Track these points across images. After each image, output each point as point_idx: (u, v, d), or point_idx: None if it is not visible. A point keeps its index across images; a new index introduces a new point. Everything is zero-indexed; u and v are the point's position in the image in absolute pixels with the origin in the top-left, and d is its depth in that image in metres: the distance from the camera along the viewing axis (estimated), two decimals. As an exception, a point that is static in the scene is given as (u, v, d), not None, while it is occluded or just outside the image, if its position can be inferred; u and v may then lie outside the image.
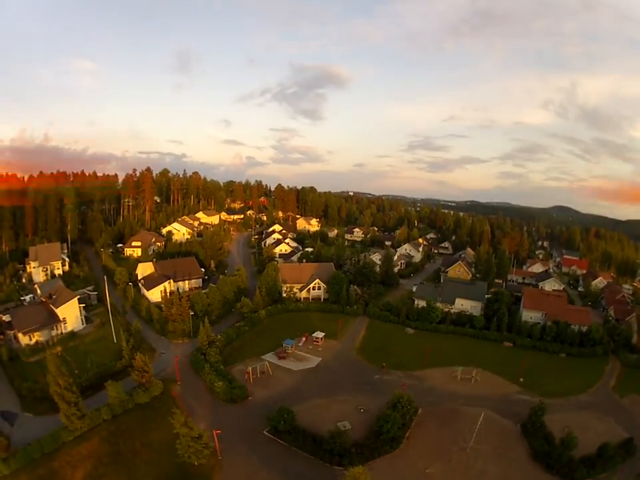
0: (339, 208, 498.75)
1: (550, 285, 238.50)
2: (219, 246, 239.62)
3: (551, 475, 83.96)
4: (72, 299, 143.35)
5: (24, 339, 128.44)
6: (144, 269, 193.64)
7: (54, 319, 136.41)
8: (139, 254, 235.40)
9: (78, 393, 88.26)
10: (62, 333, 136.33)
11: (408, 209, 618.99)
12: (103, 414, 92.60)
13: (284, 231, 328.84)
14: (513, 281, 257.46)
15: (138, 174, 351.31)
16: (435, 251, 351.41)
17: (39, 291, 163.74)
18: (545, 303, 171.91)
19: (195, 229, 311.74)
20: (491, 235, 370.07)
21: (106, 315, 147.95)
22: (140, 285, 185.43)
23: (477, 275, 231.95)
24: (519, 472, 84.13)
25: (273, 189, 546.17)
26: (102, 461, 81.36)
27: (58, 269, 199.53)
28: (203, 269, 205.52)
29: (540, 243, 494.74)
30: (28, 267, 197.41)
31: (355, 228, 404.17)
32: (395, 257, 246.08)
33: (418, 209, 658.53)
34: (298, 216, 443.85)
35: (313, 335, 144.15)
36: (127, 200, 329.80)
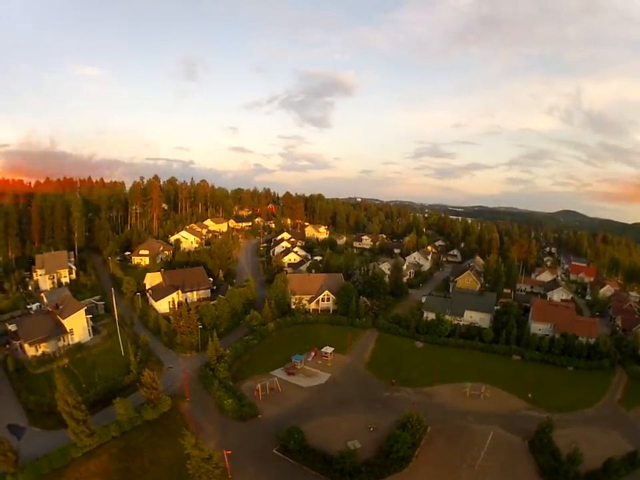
0: (348, 215, 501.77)
1: (558, 295, 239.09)
2: (228, 255, 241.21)
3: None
4: (79, 309, 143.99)
5: (30, 350, 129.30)
6: (152, 279, 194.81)
7: (61, 330, 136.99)
8: (147, 262, 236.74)
9: (86, 411, 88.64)
10: (69, 344, 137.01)
11: (416, 215, 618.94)
12: (111, 431, 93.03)
13: (292, 239, 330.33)
14: (521, 290, 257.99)
15: (145, 181, 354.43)
16: (444, 259, 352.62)
17: (45, 300, 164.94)
18: (553, 314, 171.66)
19: (203, 237, 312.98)
20: (500, 242, 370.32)
21: (113, 325, 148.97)
22: (148, 295, 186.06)
23: (486, 285, 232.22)
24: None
25: (281, 196, 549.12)
26: (111, 478, 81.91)
27: (65, 277, 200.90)
28: (211, 279, 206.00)
29: (548, 248, 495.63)
30: (34, 274, 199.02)
31: (363, 235, 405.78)
32: (404, 267, 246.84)
33: (426, 215, 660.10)
34: (306, 223, 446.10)
35: (322, 350, 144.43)
36: (134, 207, 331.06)
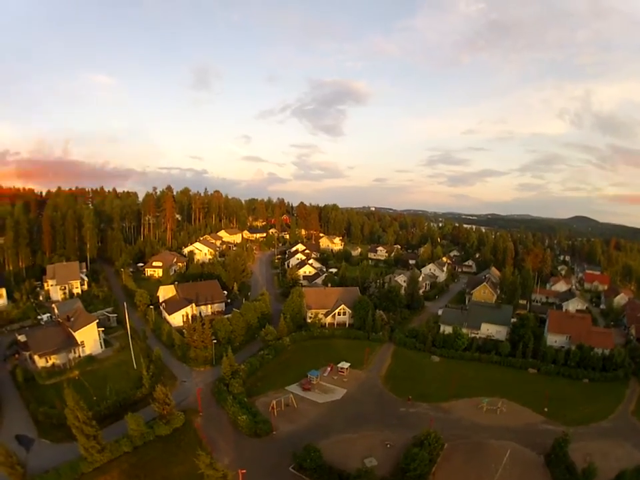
0: (362, 226, 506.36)
1: (574, 305, 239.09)
2: (242, 268, 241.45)
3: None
4: (91, 322, 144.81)
5: (40, 361, 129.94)
6: (165, 292, 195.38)
7: (71, 342, 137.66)
8: (160, 274, 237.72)
9: (97, 427, 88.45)
10: (80, 357, 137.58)
11: (430, 225, 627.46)
12: (122, 446, 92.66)
13: (307, 251, 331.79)
14: (536, 301, 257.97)
15: (158, 192, 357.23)
16: (459, 270, 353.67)
17: (56, 311, 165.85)
18: (569, 325, 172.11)
19: (217, 248, 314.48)
20: (514, 252, 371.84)
21: (126, 338, 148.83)
22: (161, 308, 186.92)
23: (502, 296, 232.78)
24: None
25: (294, 206, 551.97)
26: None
27: (77, 288, 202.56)
28: (225, 292, 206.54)
29: (562, 257, 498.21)
30: (45, 284, 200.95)
31: (378, 247, 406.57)
32: (420, 278, 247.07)
33: (440, 224, 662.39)
34: (321, 234, 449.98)
35: (338, 365, 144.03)
36: (147, 218, 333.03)
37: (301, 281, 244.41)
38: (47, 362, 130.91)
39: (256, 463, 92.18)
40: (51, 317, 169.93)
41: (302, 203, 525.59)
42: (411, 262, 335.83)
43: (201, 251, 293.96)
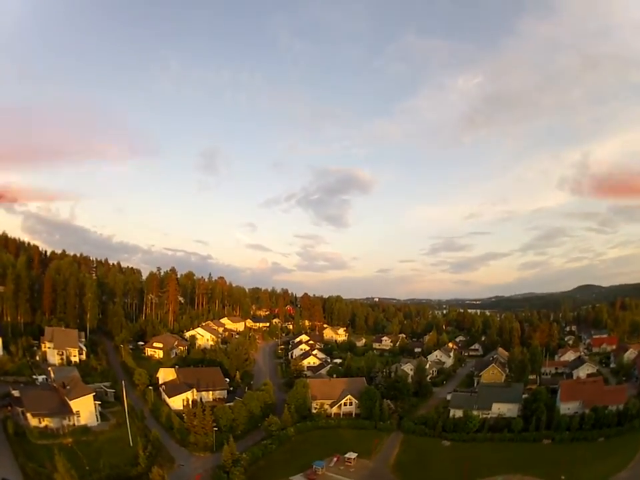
0: (366, 316, 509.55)
1: (584, 371, 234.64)
2: (245, 357, 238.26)
3: None
4: (87, 394, 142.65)
5: (33, 420, 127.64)
6: (165, 374, 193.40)
7: (66, 410, 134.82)
8: (161, 355, 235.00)
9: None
10: (74, 425, 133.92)
11: (435, 312, 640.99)
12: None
13: (311, 341, 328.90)
14: (546, 374, 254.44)
15: (162, 272, 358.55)
16: (465, 354, 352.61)
17: (52, 374, 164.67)
18: (581, 391, 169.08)
19: (220, 335, 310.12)
20: (521, 330, 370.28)
21: (122, 415, 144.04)
22: (161, 389, 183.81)
23: (511, 375, 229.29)
24: None
25: (298, 296, 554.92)
26: None
27: (74, 356, 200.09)
28: (227, 379, 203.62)
29: (567, 328, 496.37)
30: (43, 345, 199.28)
31: (383, 337, 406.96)
32: (427, 365, 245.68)
33: (444, 312, 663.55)
34: (325, 325, 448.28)
35: (345, 455, 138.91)
36: (150, 297, 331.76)
37: (305, 372, 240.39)
38: (40, 422, 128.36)
39: None
40: (46, 379, 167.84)
41: (306, 294, 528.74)
42: (417, 350, 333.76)
43: (203, 337, 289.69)
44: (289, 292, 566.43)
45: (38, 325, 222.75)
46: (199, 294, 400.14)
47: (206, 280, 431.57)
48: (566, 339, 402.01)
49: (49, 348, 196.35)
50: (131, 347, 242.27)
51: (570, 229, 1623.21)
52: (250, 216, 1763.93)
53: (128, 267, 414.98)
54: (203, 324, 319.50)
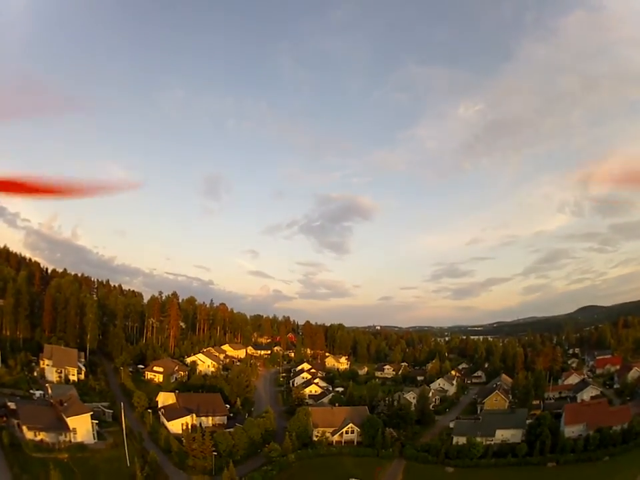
0: (368, 345, 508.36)
1: (588, 393, 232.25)
2: (246, 383, 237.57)
3: None
4: (85, 412, 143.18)
5: (28, 433, 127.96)
6: (165, 398, 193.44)
7: (63, 426, 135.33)
8: (161, 380, 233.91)
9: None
10: (70, 441, 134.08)
11: (437, 340, 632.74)
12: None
13: (313, 370, 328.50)
14: (549, 399, 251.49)
15: (164, 297, 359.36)
16: (468, 381, 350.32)
17: (50, 391, 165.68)
18: (585, 414, 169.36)
19: (221, 361, 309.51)
20: (524, 356, 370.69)
21: (120, 435, 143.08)
22: (160, 413, 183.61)
23: (515, 401, 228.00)
24: None
25: (300, 323, 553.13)
26: None
27: (73, 375, 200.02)
28: (227, 406, 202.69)
29: (571, 350, 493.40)
30: (41, 362, 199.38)
31: (385, 365, 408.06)
32: (430, 394, 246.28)
33: (447, 339, 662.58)
34: (327, 354, 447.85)
35: None
36: (151, 321, 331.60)
37: (307, 400, 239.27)
38: (36, 436, 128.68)
39: None
40: (43, 395, 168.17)
41: (308, 321, 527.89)
42: (419, 378, 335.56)
43: (204, 363, 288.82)
44: (291, 320, 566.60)
45: (37, 341, 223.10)
46: (201, 319, 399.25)
47: (207, 306, 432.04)
48: (569, 362, 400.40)
49: (47, 365, 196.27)
50: (130, 369, 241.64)
51: (571, 250, 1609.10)
52: (252, 242, 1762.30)
53: (129, 289, 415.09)
54: (204, 350, 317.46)
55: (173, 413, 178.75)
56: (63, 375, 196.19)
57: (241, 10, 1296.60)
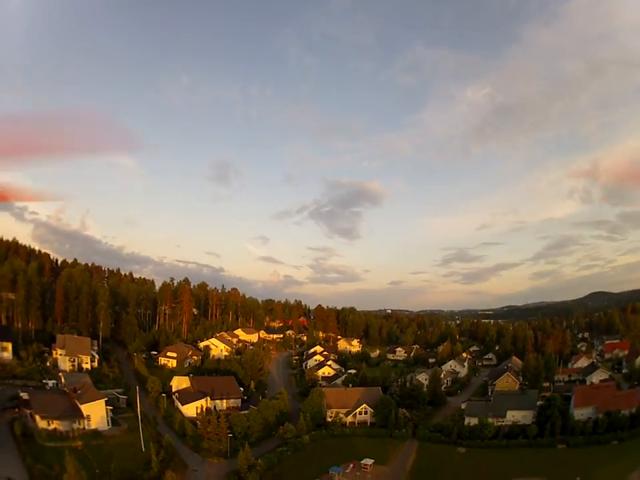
0: (380, 328, 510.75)
1: (597, 377, 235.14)
2: (260, 366, 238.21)
3: None
4: (99, 399, 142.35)
5: (41, 423, 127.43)
6: (179, 383, 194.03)
7: (77, 414, 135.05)
8: (174, 365, 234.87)
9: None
10: (84, 429, 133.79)
11: (448, 323, 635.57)
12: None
13: (325, 353, 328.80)
14: (559, 381, 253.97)
15: (175, 283, 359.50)
16: (479, 364, 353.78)
17: (63, 380, 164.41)
18: (595, 396, 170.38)
19: (234, 346, 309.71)
20: (534, 339, 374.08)
21: (134, 421, 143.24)
22: (174, 397, 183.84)
23: (526, 383, 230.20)
24: None
25: (312, 308, 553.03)
26: None
27: (86, 363, 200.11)
28: (241, 389, 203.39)
29: (580, 335, 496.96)
30: (54, 352, 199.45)
31: (397, 347, 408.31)
32: (441, 375, 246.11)
33: (458, 322, 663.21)
34: (339, 337, 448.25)
35: (362, 461, 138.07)
36: (163, 308, 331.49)
37: (320, 382, 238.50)
38: (49, 425, 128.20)
39: None
40: (56, 384, 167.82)
41: (320, 305, 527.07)
42: (431, 360, 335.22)
43: (217, 347, 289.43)
44: (302, 304, 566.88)
45: (49, 332, 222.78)
46: (213, 305, 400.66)
47: (219, 291, 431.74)
48: (578, 346, 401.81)
49: (60, 355, 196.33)
50: (144, 356, 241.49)
51: (580, 238, 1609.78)
52: (262, 228, 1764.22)
53: (140, 277, 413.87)
54: (217, 335, 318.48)
55: (187, 396, 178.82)
56: (76, 363, 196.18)
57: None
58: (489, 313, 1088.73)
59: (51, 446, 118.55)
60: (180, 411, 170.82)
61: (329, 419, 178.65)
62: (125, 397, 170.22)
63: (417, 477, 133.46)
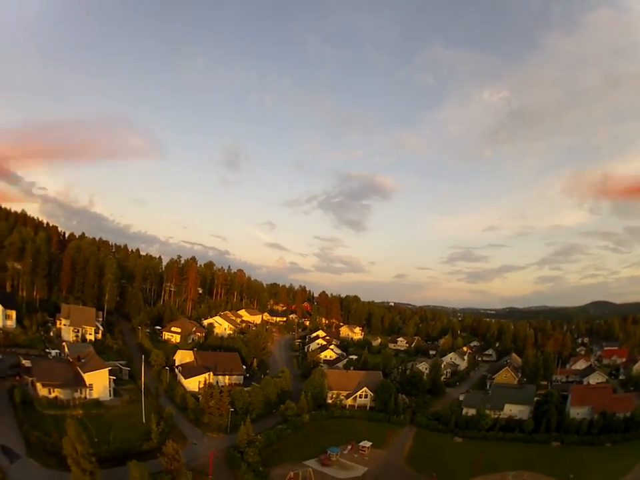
0: (382, 317, 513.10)
1: (594, 379, 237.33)
2: (263, 345, 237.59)
3: None
4: (102, 368, 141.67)
5: (42, 390, 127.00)
6: (183, 356, 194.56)
7: (79, 382, 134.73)
8: (178, 340, 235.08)
9: (96, 464, 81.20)
10: (85, 398, 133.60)
11: (450, 318, 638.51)
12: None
13: (327, 338, 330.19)
14: (557, 381, 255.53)
15: (182, 261, 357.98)
16: (479, 359, 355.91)
17: (66, 350, 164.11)
18: (591, 396, 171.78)
19: (238, 325, 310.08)
20: (535, 339, 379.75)
21: (136, 393, 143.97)
22: (177, 371, 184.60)
23: (524, 379, 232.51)
24: None
25: (315, 295, 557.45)
26: None
27: (90, 334, 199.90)
28: (244, 367, 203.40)
29: (580, 340, 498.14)
30: (58, 322, 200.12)
31: (398, 337, 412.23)
32: (442, 366, 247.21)
33: (459, 318, 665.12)
34: (341, 324, 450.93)
35: (360, 443, 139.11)
36: (169, 284, 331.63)
37: (322, 365, 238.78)
38: (50, 393, 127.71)
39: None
40: (59, 354, 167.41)
41: (324, 292, 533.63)
42: (432, 352, 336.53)
43: (221, 325, 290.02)
44: (307, 290, 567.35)
45: (54, 302, 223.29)
46: (218, 284, 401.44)
47: (225, 271, 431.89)
48: (578, 350, 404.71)
49: (64, 325, 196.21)
50: (147, 330, 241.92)
51: (586, 247, 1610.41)
52: (270, 215, 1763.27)
53: (147, 254, 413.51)
54: (221, 313, 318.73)
55: (190, 370, 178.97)
56: (79, 334, 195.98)
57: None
58: (491, 312, 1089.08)
59: (50, 414, 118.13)
60: (182, 385, 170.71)
61: (330, 401, 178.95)
62: (128, 368, 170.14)
63: (413, 463, 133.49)
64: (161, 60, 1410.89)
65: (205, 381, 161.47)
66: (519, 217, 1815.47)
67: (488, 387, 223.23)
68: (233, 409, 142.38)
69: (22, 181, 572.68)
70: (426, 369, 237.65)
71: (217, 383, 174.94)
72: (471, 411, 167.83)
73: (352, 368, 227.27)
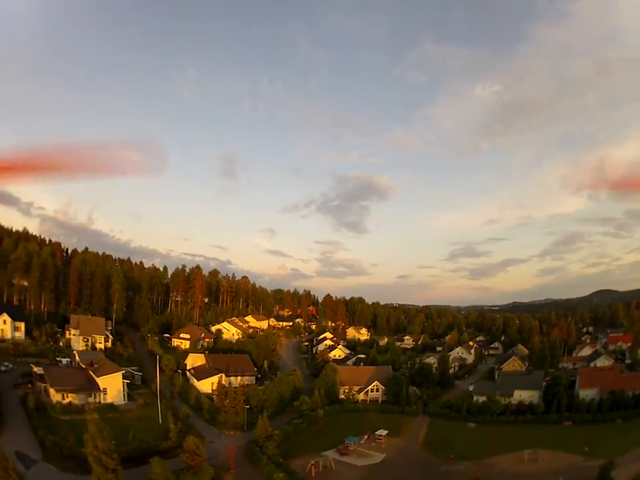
0: (388, 317, 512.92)
1: (601, 362, 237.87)
2: (273, 347, 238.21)
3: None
4: (115, 372, 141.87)
5: (56, 396, 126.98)
6: (194, 360, 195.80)
7: (93, 387, 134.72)
8: (187, 346, 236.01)
9: (118, 460, 79.80)
10: (100, 402, 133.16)
11: (455, 314, 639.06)
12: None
13: (335, 339, 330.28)
14: (564, 369, 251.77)
15: (187, 270, 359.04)
16: (486, 352, 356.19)
17: (77, 357, 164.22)
18: (599, 378, 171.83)
19: (245, 331, 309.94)
20: (540, 330, 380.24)
21: (150, 396, 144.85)
22: (189, 374, 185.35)
23: (531, 368, 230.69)
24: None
25: (320, 299, 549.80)
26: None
27: (100, 343, 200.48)
28: (255, 368, 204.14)
29: (585, 329, 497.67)
30: (67, 332, 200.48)
31: (405, 336, 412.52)
32: (449, 359, 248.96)
33: (464, 315, 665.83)
34: (347, 326, 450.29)
35: (376, 432, 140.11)
36: (175, 294, 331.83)
37: (332, 363, 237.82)
38: (64, 398, 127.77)
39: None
40: (70, 362, 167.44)
41: (329, 294, 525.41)
42: (438, 349, 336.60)
43: (229, 331, 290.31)
44: (311, 294, 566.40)
45: (62, 314, 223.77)
46: (224, 292, 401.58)
47: (230, 279, 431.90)
48: (583, 338, 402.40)
49: (73, 335, 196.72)
50: (157, 338, 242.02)
51: (587, 234, 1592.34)
52: (269, 222, 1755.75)
53: (152, 265, 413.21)
54: (229, 320, 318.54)
55: (203, 373, 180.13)
56: (89, 343, 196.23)
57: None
58: (495, 308, 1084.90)
59: (65, 419, 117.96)
60: (195, 387, 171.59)
61: (342, 396, 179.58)
62: (140, 373, 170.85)
63: (430, 448, 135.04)
64: (155, 74, 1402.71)
65: (219, 381, 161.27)
66: (518, 208, 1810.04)
67: (496, 377, 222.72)
68: (248, 407, 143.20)
69: (19, 201, 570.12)
70: (434, 363, 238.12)
71: (230, 384, 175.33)
72: (482, 398, 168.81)
73: (362, 364, 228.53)
